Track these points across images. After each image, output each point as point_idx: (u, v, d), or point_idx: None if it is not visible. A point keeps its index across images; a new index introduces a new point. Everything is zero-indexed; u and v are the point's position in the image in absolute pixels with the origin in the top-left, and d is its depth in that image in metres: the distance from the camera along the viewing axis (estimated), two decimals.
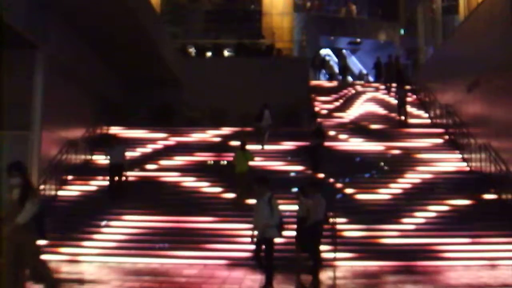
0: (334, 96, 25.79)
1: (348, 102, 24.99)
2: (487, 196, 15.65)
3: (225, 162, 18.07)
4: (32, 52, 15.02)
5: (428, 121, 22.62)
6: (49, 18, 15.36)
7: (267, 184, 10.01)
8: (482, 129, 17.45)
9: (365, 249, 13.62)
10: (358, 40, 36.63)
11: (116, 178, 16.00)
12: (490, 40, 16.69)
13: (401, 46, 33.70)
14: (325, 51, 38.33)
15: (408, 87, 24.55)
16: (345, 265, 12.80)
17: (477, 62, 17.87)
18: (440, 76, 22.78)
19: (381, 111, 23.96)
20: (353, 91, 26.54)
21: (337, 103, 24.97)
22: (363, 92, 26.32)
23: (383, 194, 16.28)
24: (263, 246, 9.77)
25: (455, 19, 26.76)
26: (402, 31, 34.14)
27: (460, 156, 18.64)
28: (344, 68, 31.09)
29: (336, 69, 33.05)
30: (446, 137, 20.12)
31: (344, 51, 36.33)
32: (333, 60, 37.77)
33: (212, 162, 18.58)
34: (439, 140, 19.99)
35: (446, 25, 27.39)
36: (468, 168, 17.79)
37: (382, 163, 18.13)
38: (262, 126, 19.35)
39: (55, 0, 14.81)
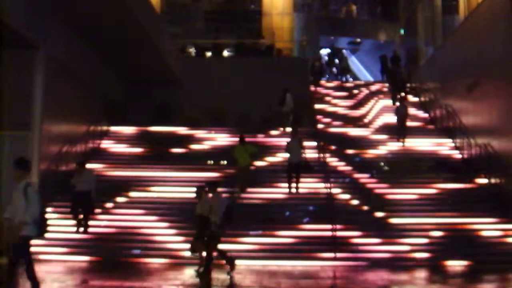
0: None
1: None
2: None
3: (225, 162, 18.16)
4: (32, 52, 15.02)
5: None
6: (49, 18, 15.36)
7: (27, 167, 7.97)
8: (482, 129, 17.47)
9: None
10: (358, 40, 36.58)
11: (81, 209, 13.98)
12: (490, 39, 16.69)
13: (401, 46, 33.63)
14: (324, 51, 38.28)
15: (408, 99, 23.33)
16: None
17: (477, 62, 17.87)
18: (440, 76, 22.77)
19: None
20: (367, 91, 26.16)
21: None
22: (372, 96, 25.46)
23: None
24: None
25: (455, 19, 26.70)
26: (402, 31, 34.08)
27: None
28: (344, 70, 29.84)
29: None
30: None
31: (344, 51, 36.22)
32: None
33: (212, 162, 18.61)
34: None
35: (446, 25, 27.33)
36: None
37: (382, 163, 18.24)
38: (285, 110, 20.00)
39: (55, 0, 14.81)
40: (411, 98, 24.61)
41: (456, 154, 18.96)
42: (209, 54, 26.62)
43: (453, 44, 21.63)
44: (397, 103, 21.86)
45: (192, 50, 27.02)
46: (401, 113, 20.09)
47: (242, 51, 26.17)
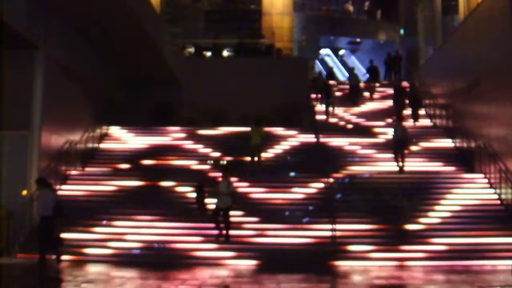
0: None
1: None
2: None
3: (225, 162, 18.28)
4: (32, 52, 15.03)
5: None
6: (49, 18, 15.36)
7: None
8: (482, 129, 17.47)
9: None
10: (358, 40, 36.59)
11: None
12: (490, 39, 16.70)
13: (401, 46, 33.65)
14: (325, 51, 38.30)
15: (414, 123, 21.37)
16: None
17: (477, 62, 17.88)
18: (440, 76, 22.76)
19: None
20: None
21: None
22: None
23: None
24: None
25: (455, 19, 26.74)
26: (402, 31, 34.11)
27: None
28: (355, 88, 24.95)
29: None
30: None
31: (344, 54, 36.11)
32: (335, 64, 37.68)
33: (212, 161, 18.68)
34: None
35: (446, 25, 27.37)
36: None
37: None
38: (330, 102, 22.90)
39: (55, 0, 14.82)
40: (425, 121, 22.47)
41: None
42: (209, 54, 26.61)
43: (453, 44, 21.64)
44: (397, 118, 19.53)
45: (192, 50, 27.01)
46: (398, 137, 17.76)
47: (242, 51, 26.16)
